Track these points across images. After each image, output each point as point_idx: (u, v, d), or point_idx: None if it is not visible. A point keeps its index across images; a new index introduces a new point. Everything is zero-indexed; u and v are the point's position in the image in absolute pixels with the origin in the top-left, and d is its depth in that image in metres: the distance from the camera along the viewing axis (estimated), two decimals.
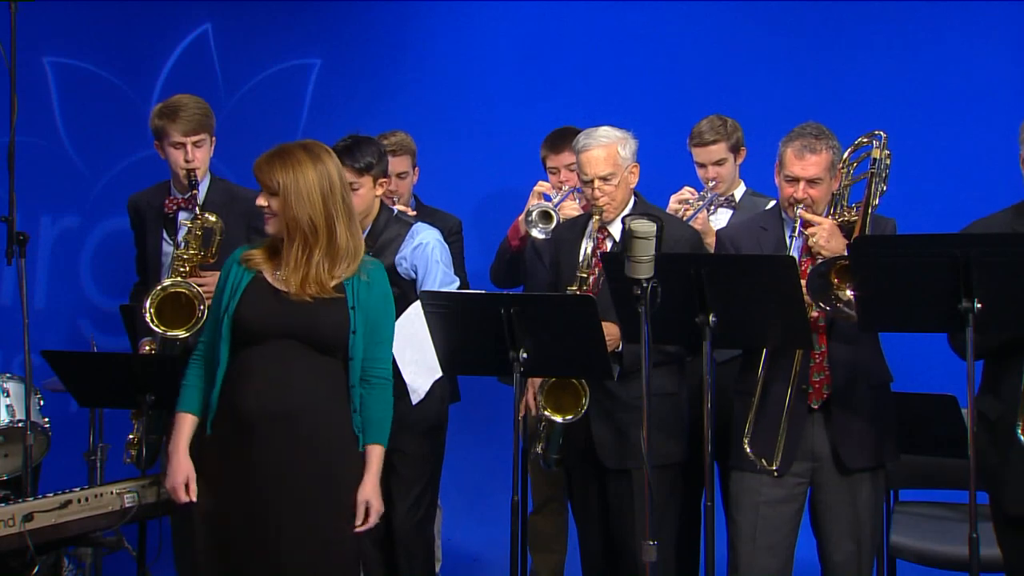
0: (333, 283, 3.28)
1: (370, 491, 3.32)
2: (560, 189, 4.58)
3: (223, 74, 6.09)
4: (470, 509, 4.72)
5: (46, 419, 4.69)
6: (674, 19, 5.68)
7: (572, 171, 4.52)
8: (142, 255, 4.34)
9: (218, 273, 3.84)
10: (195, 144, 4.12)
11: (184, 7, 6.10)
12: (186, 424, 3.36)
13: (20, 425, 4.49)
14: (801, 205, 3.68)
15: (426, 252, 4.05)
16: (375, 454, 3.35)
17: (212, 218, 4.08)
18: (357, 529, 3.31)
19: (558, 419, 3.84)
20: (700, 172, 4.62)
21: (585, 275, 3.87)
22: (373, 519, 3.33)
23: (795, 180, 3.68)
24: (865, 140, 3.73)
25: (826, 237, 3.60)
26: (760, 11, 5.56)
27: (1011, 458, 3.30)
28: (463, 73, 5.92)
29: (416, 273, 4.05)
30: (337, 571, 3.31)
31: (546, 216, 4.42)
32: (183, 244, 4.10)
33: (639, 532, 3.58)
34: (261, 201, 3.33)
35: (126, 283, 4.57)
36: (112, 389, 4.02)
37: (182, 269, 4.08)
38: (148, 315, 4.00)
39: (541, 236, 4.41)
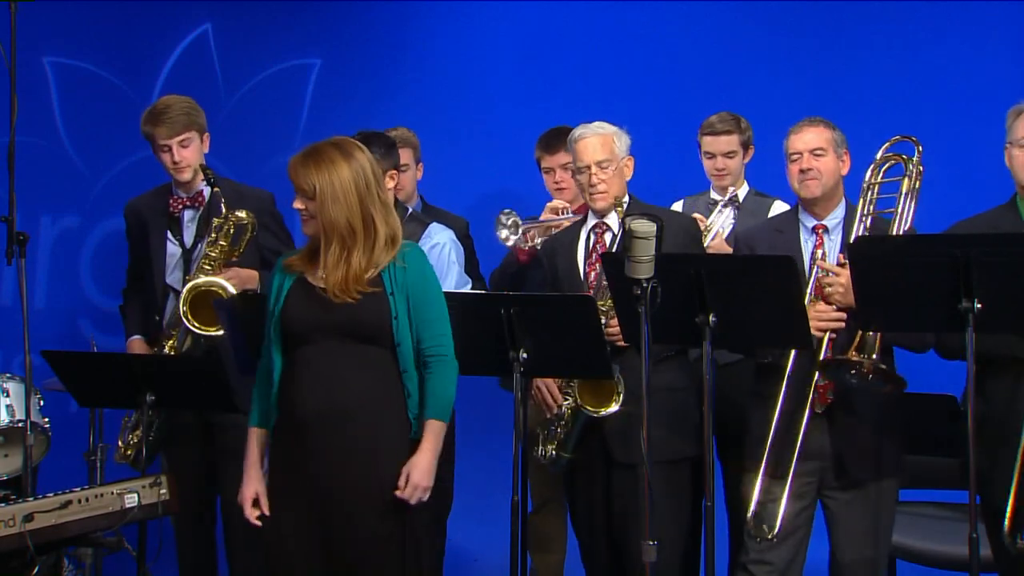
0: (369, 275, 3.26)
1: (418, 463, 3.24)
2: (558, 189, 4.58)
3: (223, 74, 6.09)
4: (470, 509, 4.71)
5: (46, 419, 4.69)
6: (674, 19, 5.68)
7: (568, 171, 4.51)
8: (136, 261, 4.34)
9: (239, 268, 3.99)
10: (180, 144, 4.13)
11: (184, 7, 6.10)
12: (254, 437, 3.37)
13: (20, 425, 4.49)
14: (820, 253, 3.68)
15: (442, 253, 4.08)
16: (431, 429, 3.28)
17: (242, 215, 4.06)
18: (396, 493, 3.22)
19: (598, 413, 3.81)
20: (708, 164, 4.61)
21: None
22: (411, 492, 3.22)
23: (799, 155, 3.73)
24: (892, 160, 3.69)
25: (842, 292, 3.57)
26: (760, 11, 5.56)
27: (999, 458, 3.31)
28: (463, 73, 5.92)
29: None
30: (390, 565, 3.28)
31: (516, 226, 4.39)
32: (211, 241, 4.09)
33: (641, 530, 3.57)
34: (298, 205, 3.29)
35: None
36: (112, 389, 4.02)
37: (208, 267, 4.07)
38: (183, 312, 4.01)
39: (504, 236, 4.36)
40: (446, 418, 3.32)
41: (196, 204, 4.20)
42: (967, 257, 3.13)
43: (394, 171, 4.10)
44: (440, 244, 4.11)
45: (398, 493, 3.23)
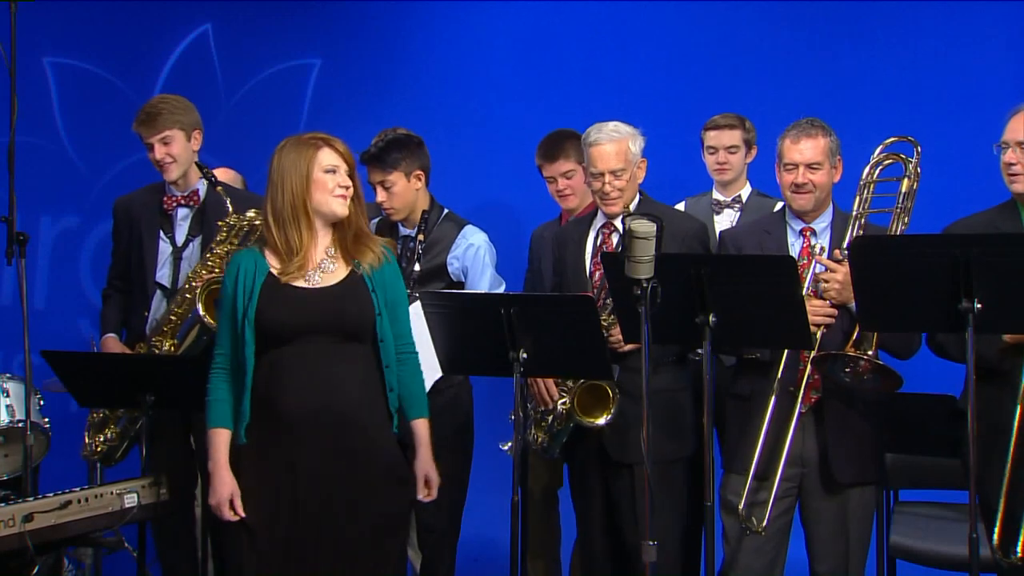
0: (352, 267, 3.34)
1: (427, 464, 3.42)
2: (561, 197, 4.57)
3: (223, 74, 6.10)
4: (470, 509, 4.71)
5: (46, 419, 4.69)
6: (675, 18, 5.69)
7: (569, 179, 4.51)
8: (121, 259, 4.33)
9: None
10: (162, 141, 4.16)
11: (184, 7, 6.11)
12: (222, 439, 3.32)
13: (20, 425, 4.49)
14: (819, 247, 3.68)
15: (478, 255, 4.15)
16: (424, 428, 3.43)
17: (252, 214, 4.04)
18: (421, 498, 3.40)
19: (591, 423, 3.87)
20: (710, 159, 4.63)
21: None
22: (435, 491, 3.43)
23: (794, 167, 3.71)
24: (890, 159, 3.69)
25: (839, 288, 3.60)
26: (760, 11, 5.56)
27: (990, 457, 3.31)
28: (463, 73, 5.92)
29: (466, 274, 4.09)
30: (391, 552, 3.34)
31: None
32: (220, 240, 4.08)
33: (640, 530, 3.57)
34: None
35: None
36: (112, 389, 4.02)
37: (211, 263, 4.07)
38: (200, 308, 4.02)
39: None
40: (428, 413, 3.46)
41: (191, 202, 4.21)
42: (967, 257, 3.12)
43: (420, 171, 4.12)
44: (476, 246, 4.17)
45: (425, 497, 3.41)
